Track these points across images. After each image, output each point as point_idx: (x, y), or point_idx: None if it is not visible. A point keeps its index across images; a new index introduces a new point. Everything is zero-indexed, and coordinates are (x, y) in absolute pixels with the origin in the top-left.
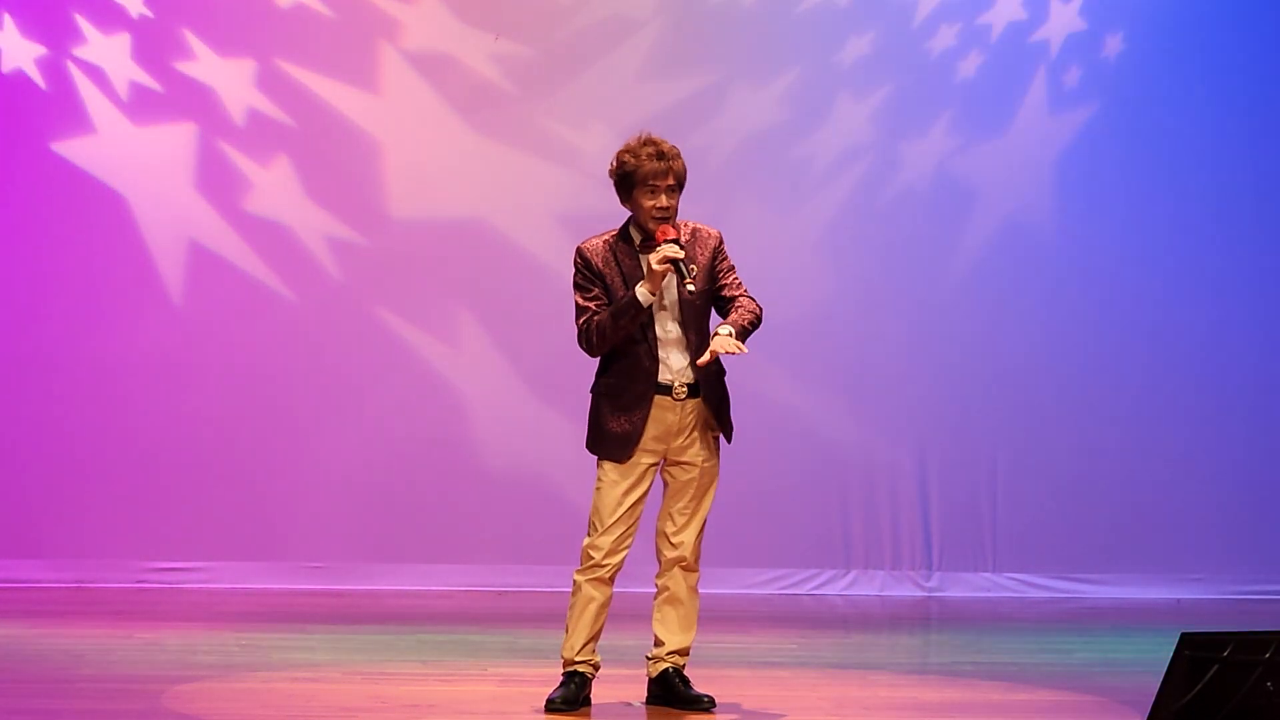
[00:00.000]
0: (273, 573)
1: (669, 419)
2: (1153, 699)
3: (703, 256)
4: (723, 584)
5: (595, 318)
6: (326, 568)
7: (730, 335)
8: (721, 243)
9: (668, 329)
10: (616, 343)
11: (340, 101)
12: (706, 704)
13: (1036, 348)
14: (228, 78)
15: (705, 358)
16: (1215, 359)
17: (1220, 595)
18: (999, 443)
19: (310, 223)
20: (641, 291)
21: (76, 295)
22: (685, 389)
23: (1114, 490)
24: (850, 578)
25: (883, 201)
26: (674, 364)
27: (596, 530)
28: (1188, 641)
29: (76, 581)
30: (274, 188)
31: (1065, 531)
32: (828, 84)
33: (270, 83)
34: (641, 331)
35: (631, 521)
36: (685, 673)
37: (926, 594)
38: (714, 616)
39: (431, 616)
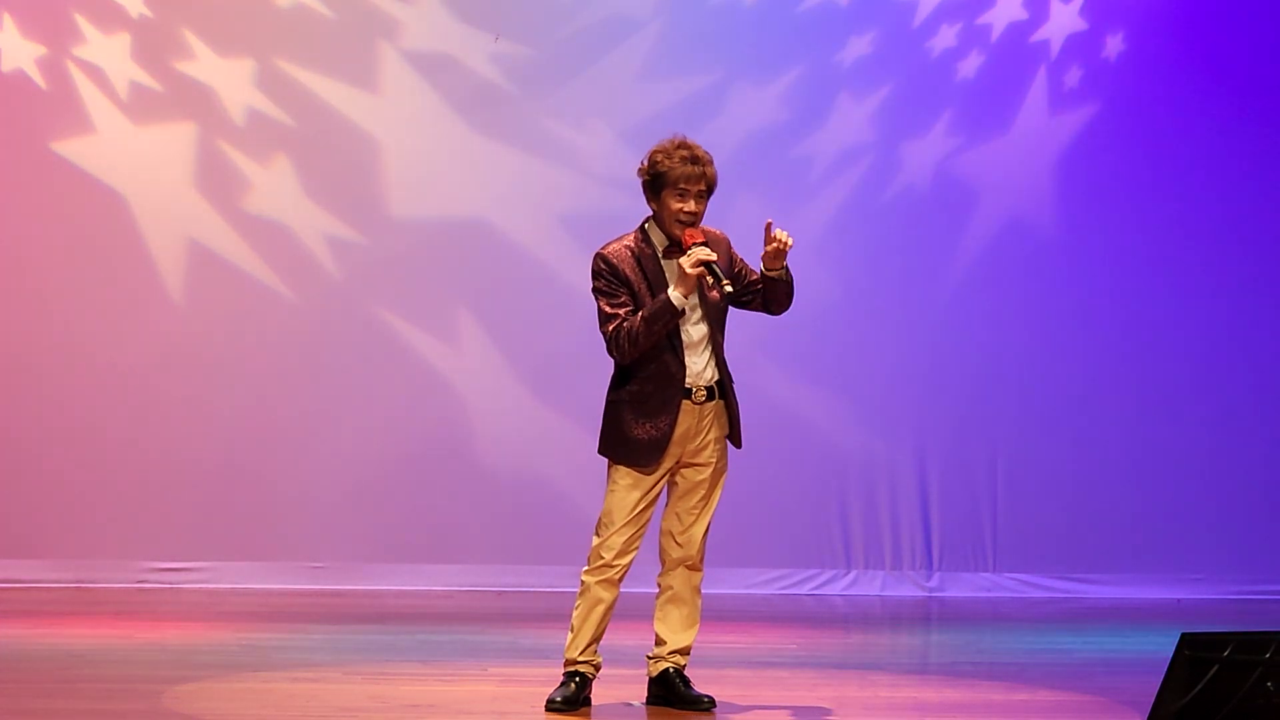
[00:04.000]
0: (273, 573)
1: (690, 422)
2: (1153, 699)
3: (722, 259)
4: (723, 584)
5: (625, 324)
6: (326, 568)
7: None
8: (729, 244)
9: (690, 333)
10: (648, 349)
11: (340, 101)
12: (706, 704)
13: (1036, 348)
14: (227, 77)
15: (774, 246)
16: (1215, 359)
17: (1220, 595)
18: (999, 443)
19: (310, 222)
20: (676, 296)
21: (76, 295)
22: (705, 392)
23: (1114, 490)
24: (850, 578)
25: (883, 201)
26: (694, 368)
27: (608, 531)
28: (1188, 641)
29: (76, 581)
30: (274, 187)
31: (1065, 531)
32: (828, 84)
33: (270, 82)
34: (667, 338)
35: (642, 524)
36: (686, 673)
37: (926, 594)
38: (714, 616)
39: (431, 616)
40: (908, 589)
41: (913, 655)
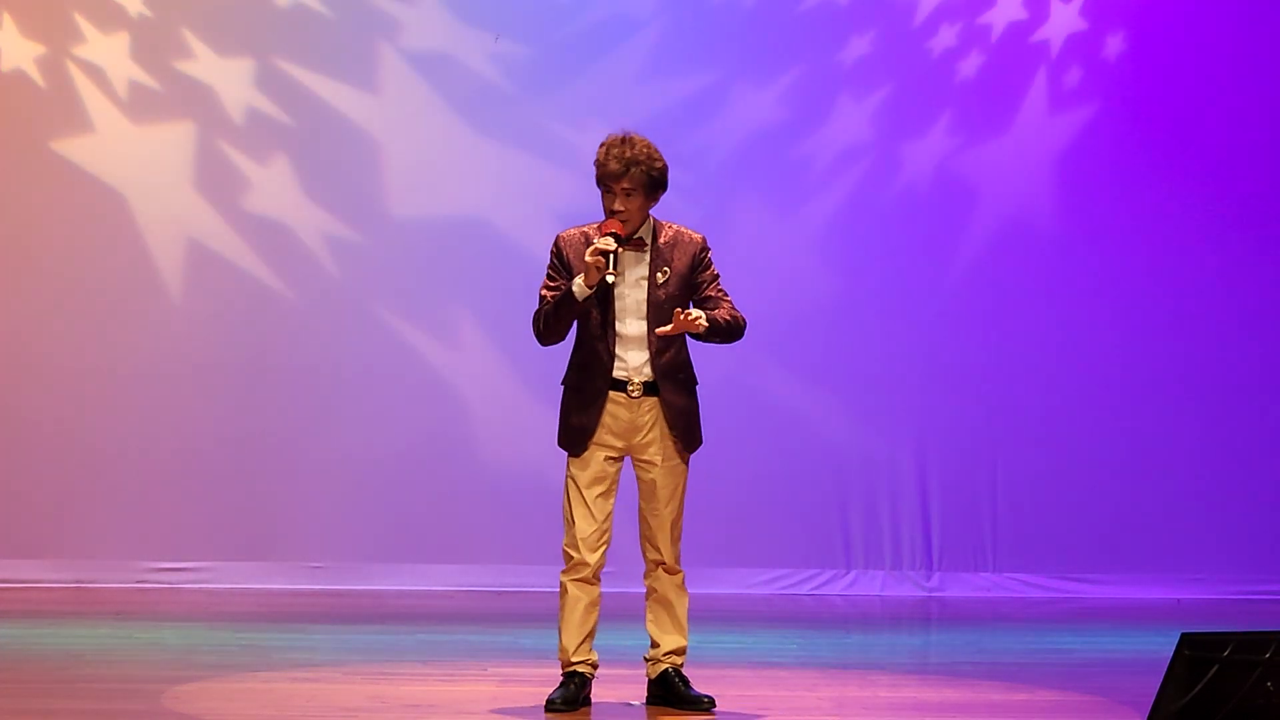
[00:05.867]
0: (273, 573)
1: (625, 415)
2: (1153, 699)
3: (680, 261)
4: (723, 584)
5: (544, 307)
6: (326, 568)
7: (698, 315)
8: (705, 250)
9: (629, 326)
10: (561, 333)
11: (340, 101)
12: (706, 704)
13: (1036, 348)
14: (227, 77)
15: (666, 329)
16: (1215, 359)
17: (1220, 595)
18: (999, 443)
19: (309, 222)
20: (577, 284)
21: (76, 294)
22: (641, 387)
23: (1114, 490)
24: (850, 578)
25: (883, 201)
26: (631, 361)
27: (569, 528)
28: (1188, 641)
29: (76, 581)
30: (273, 187)
31: (1065, 531)
32: (828, 84)
33: (269, 82)
34: (601, 328)
35: (602, 518)
36: (685, 672)
37: (926, 594)
38: (714, 616)
39: (431, 616)
40: (907, 589)
41: (913, 655)
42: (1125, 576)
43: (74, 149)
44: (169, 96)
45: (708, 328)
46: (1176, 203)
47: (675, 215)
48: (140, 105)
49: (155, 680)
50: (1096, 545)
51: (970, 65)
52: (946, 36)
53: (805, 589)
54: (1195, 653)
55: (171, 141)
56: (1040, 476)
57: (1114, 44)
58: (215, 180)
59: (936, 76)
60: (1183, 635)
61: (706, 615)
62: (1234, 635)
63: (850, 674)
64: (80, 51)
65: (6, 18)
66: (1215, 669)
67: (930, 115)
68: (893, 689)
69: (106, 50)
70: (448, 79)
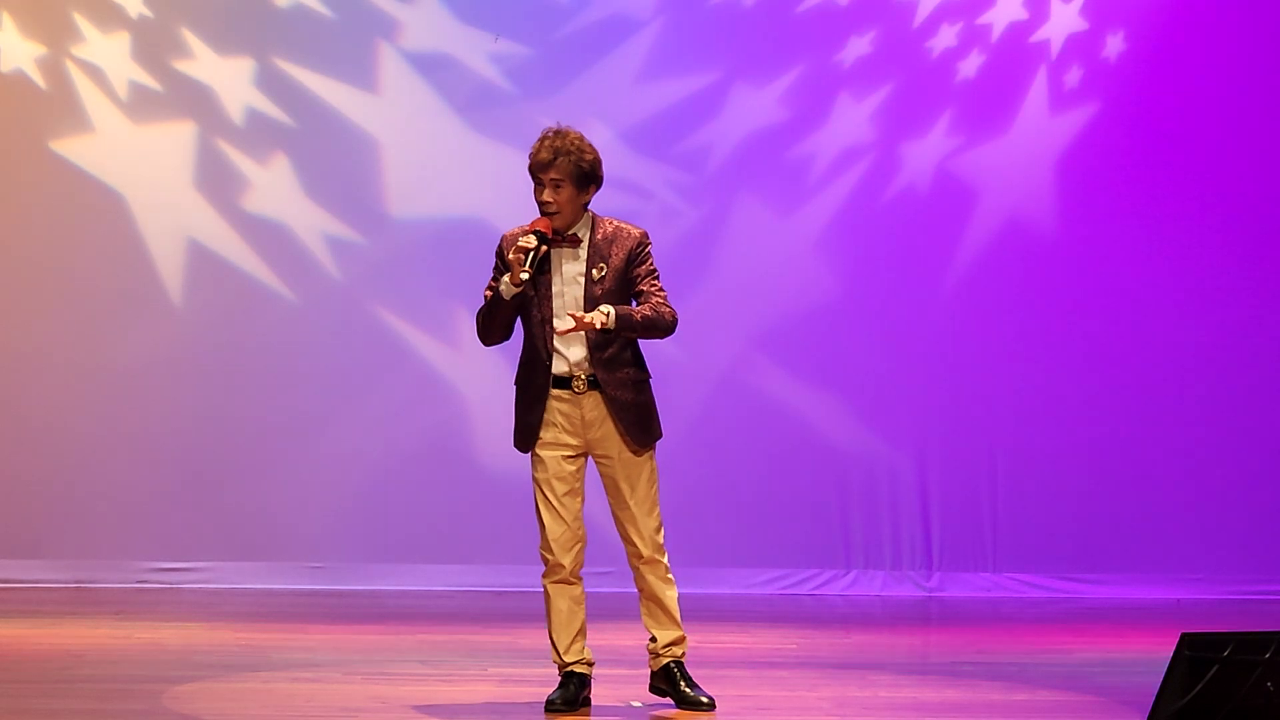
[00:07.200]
0: (273, 573)
1: (573, 412)
2: (1153, 699)
3: (617, 257)
4: (723, 584)
5: (482, 307)
6: (326, 568)
7: (606, 313)
8: (643, 244)
9: (568, 323)
10: (496, 331)
11: (339, 101)
12: (707, 704)
13: (1036, 348)
14: (227, 77)
15: (565, 328)
16: (1215, 359)
17: (1220, 595)
18: (999, 443)
19: (309, 222)
20: (503, 282)
21: (76, 294)
22: (585, 382)
23: (1114, 490)
24: (850, 578)
25: (883, 201)
26: (572, 357)
27: (541, 530)
28: (1188, 641)
29: (76, 581)
30: (273, 187)
31: (1065, 531)
32: (828, 84)
33: (269, 82)
34: (540, 325)
35: (571, 517)
36: (689, 670)
37: (926, 594)
38: (714, 616)
39: (431, 616)
40: (908, 589)
41: (913, 655)
42: (1125, 576)
43: (74, 149)
44: (169, 96)
45: (614, 326)
46: (1177, 203)
47: (675, 215)
48: (140, 105)
49: (155, 680)
50: (1096, 545)
51: (970, 65)
52: (946, 36)
53: (805, 589)
54: (1195, 653)
55: (171, 141)
56: (1040, 477)
57: (1114, 44)
58: (215, 180)
59: (936, 76)
60: (1183, 635)
61: (706, 615)
62: (1234, 635)
63: (850, 674)
64: (80, 51)
65: (6, 18)
66: (1215, 669)
67: (930, 115)
68: (893, 689)
69: (106, 50)
70: (448, 79)
